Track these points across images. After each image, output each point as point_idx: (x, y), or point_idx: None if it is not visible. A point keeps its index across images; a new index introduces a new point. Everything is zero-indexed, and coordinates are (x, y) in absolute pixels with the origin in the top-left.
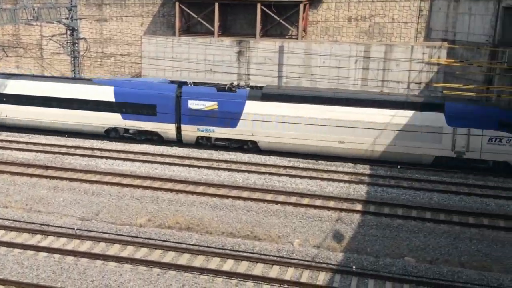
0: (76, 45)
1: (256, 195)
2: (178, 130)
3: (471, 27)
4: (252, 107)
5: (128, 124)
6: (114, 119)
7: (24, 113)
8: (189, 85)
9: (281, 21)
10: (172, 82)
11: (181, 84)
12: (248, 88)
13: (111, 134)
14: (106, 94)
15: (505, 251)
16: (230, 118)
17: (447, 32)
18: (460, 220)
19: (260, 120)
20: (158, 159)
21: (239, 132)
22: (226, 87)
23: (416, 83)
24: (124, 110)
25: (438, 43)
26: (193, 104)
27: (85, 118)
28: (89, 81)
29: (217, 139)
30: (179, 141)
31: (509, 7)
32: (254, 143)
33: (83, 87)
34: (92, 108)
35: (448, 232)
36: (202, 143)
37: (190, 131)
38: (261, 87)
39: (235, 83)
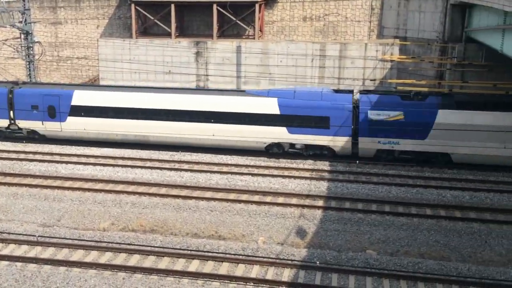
0: (31, 49)
1: (219, 195)
2: (355, 143)
3: (422, 24)
4: (445, 117)
5: (295, 139)
6: (279, 134)
7: (171, 129)
8: (357, 93)
9: (237, 21)
10: (336, 91)
11: (351, 93)
12: (438, 96)
13: (272, 149)
14: (268, 106)
15: (462, 240)
16: (419, 129)
17: (399, 29)
18: (418, 212)
19: (454, 130)
20: (120, 162)
21: (429, 144)
22: (411, 94)
23: (371, 80)
24: (290, 123)
25: (391, 40)
26: (374, 115)
27: (242, 133)
28: (241, 92)
29: (402, 152)
30: (354, 156)
31: (457, 4)
32: (445, 155)
33: (237, 99)
34: (250, 122)
35: (407, 224)
36: (382, 156)
37: (369, 144)
38: (451, 95)
39: (414, 91)
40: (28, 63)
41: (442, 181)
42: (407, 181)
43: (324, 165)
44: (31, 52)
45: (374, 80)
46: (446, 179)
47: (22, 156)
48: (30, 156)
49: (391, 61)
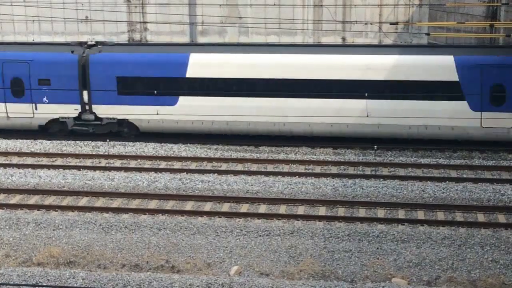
0: None
1: (170, 204)
2: None
3: None
4: None
5: None
6: None
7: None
8: None
9: None
10: None
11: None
12: None
13: None
14: None
15: None
16: None
17: None
18: (465, 219)
19: None
20: (15, 160)
21: None
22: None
23: (391, 24)
24: None
25: None
26: None
27: None
28: None
29: None
30: None
31: None
32: None
33: None
34: None
35: (451, 237)
36: None
37: None
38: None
39: None
40: None
41: (499, 172)
42: (449, 173)
43: (326, 153)
44: None
45: (396, 23)
46: (505, 167)
47: None
48: None
49: None
